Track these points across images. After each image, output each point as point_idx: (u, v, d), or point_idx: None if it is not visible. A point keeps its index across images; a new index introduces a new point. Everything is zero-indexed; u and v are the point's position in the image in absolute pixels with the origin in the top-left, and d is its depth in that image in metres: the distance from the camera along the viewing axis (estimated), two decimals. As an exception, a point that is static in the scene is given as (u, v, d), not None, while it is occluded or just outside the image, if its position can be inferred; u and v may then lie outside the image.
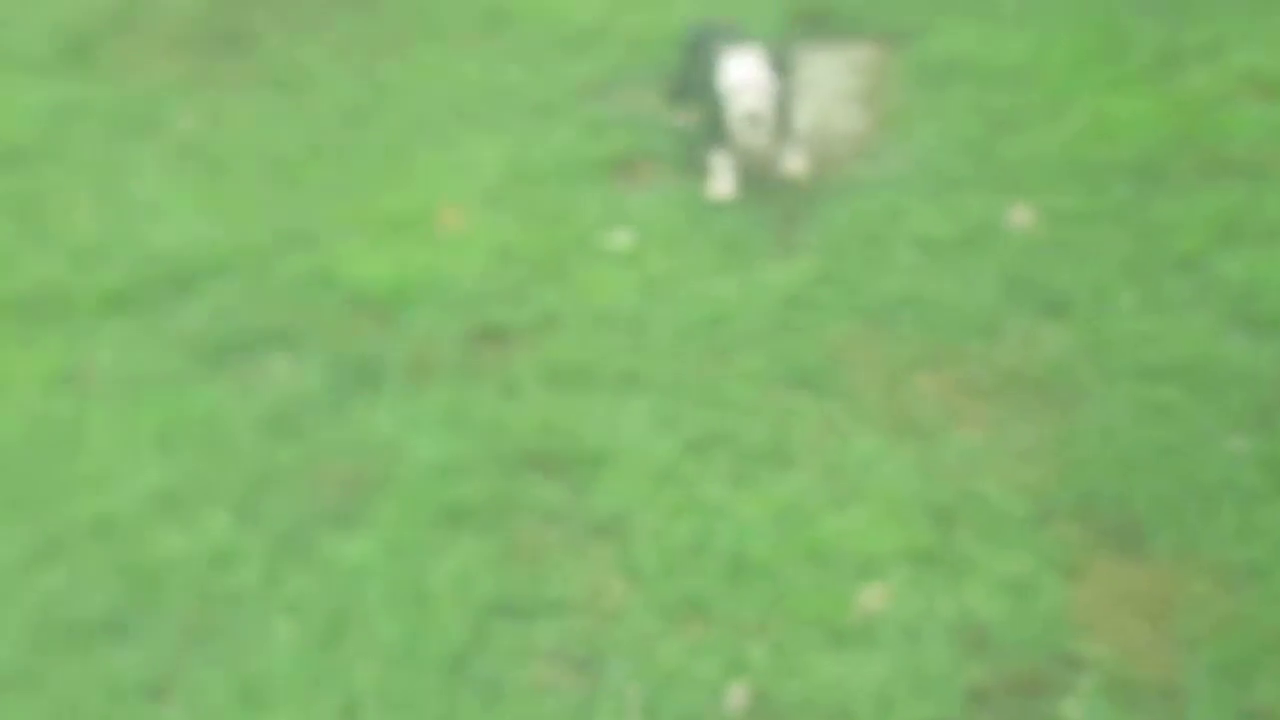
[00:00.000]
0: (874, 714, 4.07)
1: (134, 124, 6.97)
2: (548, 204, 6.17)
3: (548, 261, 5.84)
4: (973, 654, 4.22)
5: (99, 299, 5.83)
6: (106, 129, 6.95)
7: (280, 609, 4.52)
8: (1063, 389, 5.08)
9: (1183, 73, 6.66)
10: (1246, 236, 5.68)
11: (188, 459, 5.07)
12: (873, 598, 4.39)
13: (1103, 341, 5.25)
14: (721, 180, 6.11)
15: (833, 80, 6.84)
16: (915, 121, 6.49)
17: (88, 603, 4.57)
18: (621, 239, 5.91)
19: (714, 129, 6.10)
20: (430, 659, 4.32)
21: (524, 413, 5.14)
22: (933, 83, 6.73)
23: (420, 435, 5.07)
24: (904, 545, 4.53)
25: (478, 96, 6.93)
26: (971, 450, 4.87)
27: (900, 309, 5.45)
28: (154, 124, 6.96)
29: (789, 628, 4.33)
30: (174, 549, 4.74)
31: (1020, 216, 5.80)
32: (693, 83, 6.33)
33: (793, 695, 4.14)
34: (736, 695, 4.16)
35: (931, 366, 5.23)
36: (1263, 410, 4.92)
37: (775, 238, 5.87)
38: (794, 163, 6.18)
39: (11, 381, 5.48)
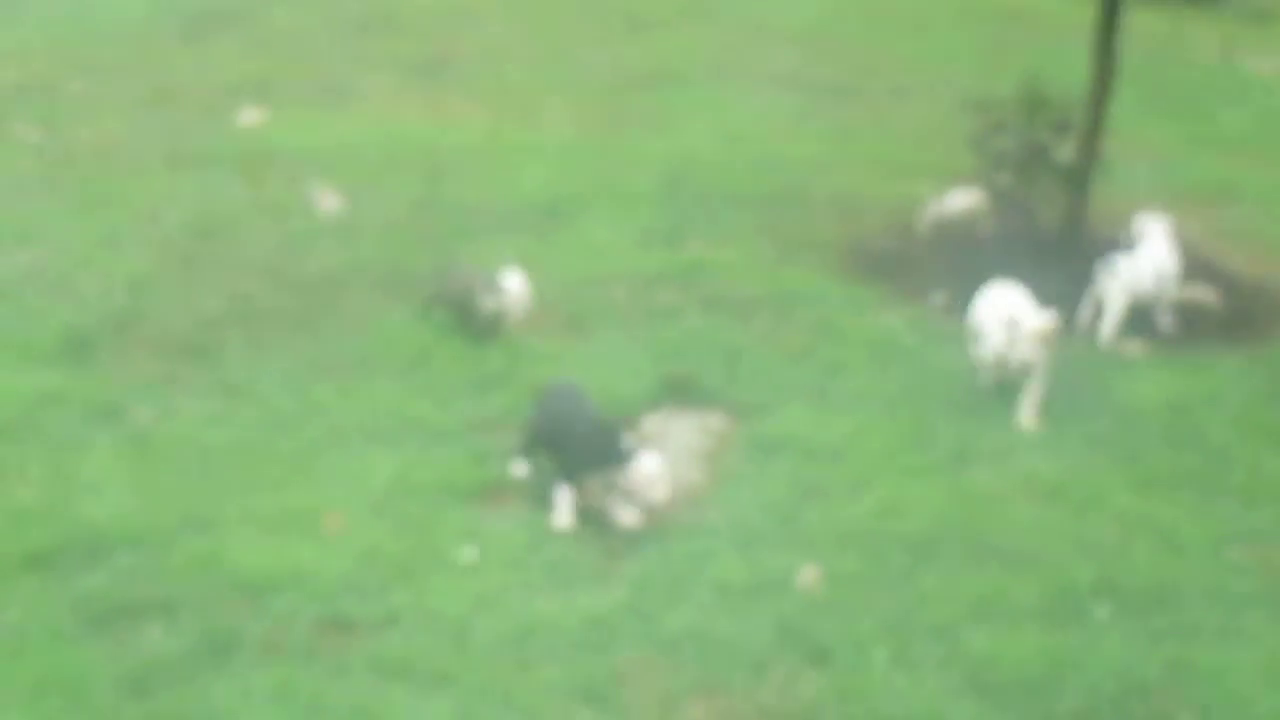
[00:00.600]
0: None
1: (100, 413, 7.01)
2: (418, 517, 6.18)
3: (403, 567, 5.82)
4: None
5: (19, 558, 5.79)
6: (76, 415, 6.98)
7: None
8: (806, 728, 5.00)
9: (972, 469, 6.73)
10: (995, 615, 5.64)
11: (49, 709, 4.95)
12: None
13: (852, 691, 5.18)
14: (562, 515, 6.11)
15: (684, 439, 6.92)
16: (742, 483, 6.55)
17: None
18: (469, 554, 5.91)
19: (566, 471, 6.14)
20: None
21: (345, 696, 5.06)
22: (764, 452, 6.81)
23: (249, 707, 4.97)
24: None
25: (387, 420, 7.00)
26: (716, 775, 4.77)
27: (685, 642, 5.40)
28: (116, 415, 7.01)
29: None
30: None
31: (807, 575, 5.80)
32: (544, 435, 6.40)
33: None
34: None
35: (703, 695, 5.16)
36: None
37: (595, 568, 5.86)
38: (627, 516, 6.18)
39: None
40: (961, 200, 9.60)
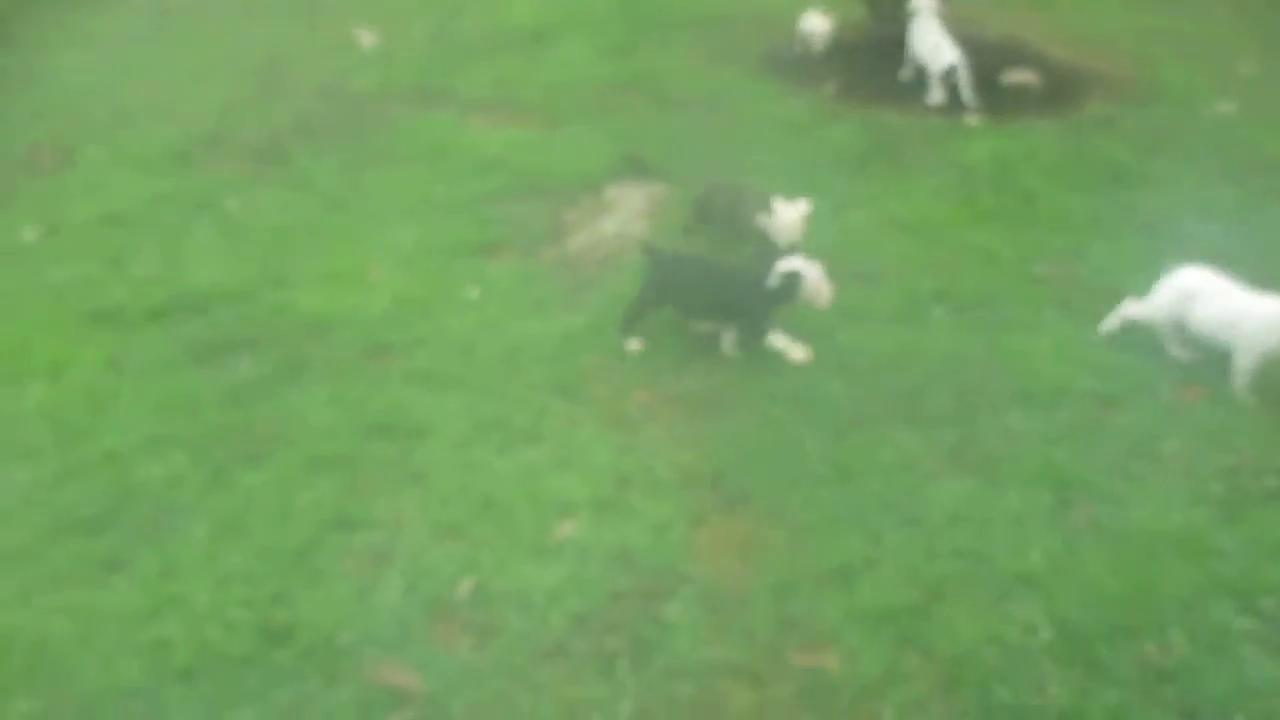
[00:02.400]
0: (546, 603, 3.99)
1: (199, 205, 6.83)
2: (436, 268, 6.06)
3: (427, 305, 5.73)
4: (621, 570, 4.14)
5: (143, 314, 5.71)
6: (181, 208, 6.80)
7: (203, 515, 4.41)
8: (718, 405, 5.00)
9: (850, 213, 6.57)
10: (860, 319, 5.57)
11: (170, 418, 4.96)
12: (565, 529, 4.31)
13: (747, 375, 5.16)
14: (795, 352, 5.29)
15: (635, 203, 6.72)
16: (675, 234, 6.36)
17: (85, 507, 4.45)
18: (474, 293, 5.81)
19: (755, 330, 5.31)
20: (283, 553, 4.23)
21: (384, 399, 5.04)
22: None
23: (316, 410, 4.97)
24: (593, 496, 4.45)
25: (414, 198, 6.80)
26: (653, 439, 4.79)
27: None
28: (211, 205, 6.82)
29: (510, 545, 4.25)
30: (148, 475, 4.62)
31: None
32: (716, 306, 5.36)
33: (500, 587, 4.07)
34: (465, 585, 4.07)
35: (644, 385, 5.13)
36: (838, 428, 4.83)
37: (567, 299, 5.77)
38: (797, 353, 5.25)
39: (79, 363, 5.35)
40: (815, 22, 9.02)
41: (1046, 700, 3.66)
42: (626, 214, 6.56)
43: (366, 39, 9.55)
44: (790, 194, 5.94)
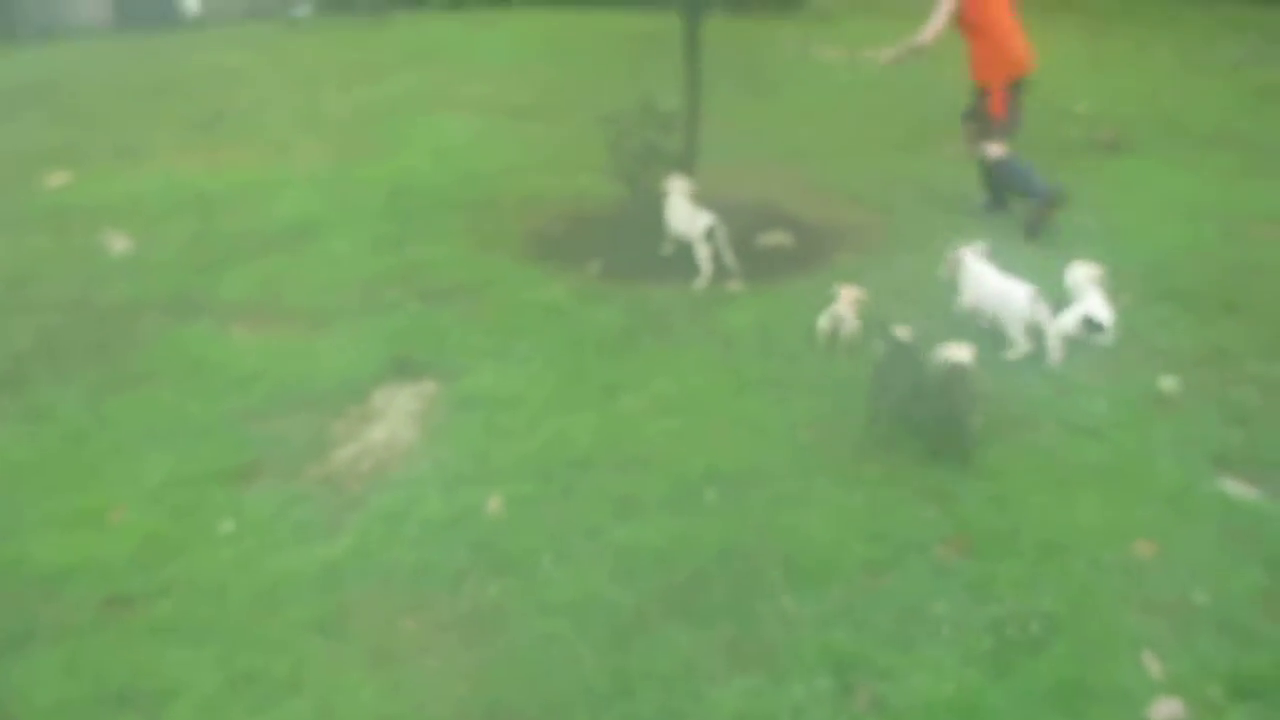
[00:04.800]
0: None
1: (-85, 447, 6.24)
2: (187, 501, 5.65)
3: (175, 544, 5.33)
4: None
5: None
6: (-103, 453, 6.20)
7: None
8: (492, 624, 4.77)
9: (618, 398, 6.53)
10: (632, 511, 5.46)
11: None
12: (328, 795, 3.94)
13: (526, 589, 4.97)
14: None
15: (403, 405, 6.50)
16: (445, 435, 6.18)
17: None
18: (228, 526, 5.44)
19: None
20: None
21: (125, 660, 4.59)
22: (462, 407, 6.43)
23: (43, 684, 4.48)
24: (357, 751, 4.12)
25: (166, 422, 6.37)
26: (424, 673, 4.52)
27: (401, 571, 5.09)
28: (-71, 447, 6.24)
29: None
30: None
31: (493, 502, 5.52)
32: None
33: None
34: None
35: (414, 613, 4.87)
36: (616, 635, 4.68)
37: (329, 523, 5.45)
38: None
39: None
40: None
41: None
42: (395, 419, 6.35)
43: (118, 244, 9.14)
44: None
